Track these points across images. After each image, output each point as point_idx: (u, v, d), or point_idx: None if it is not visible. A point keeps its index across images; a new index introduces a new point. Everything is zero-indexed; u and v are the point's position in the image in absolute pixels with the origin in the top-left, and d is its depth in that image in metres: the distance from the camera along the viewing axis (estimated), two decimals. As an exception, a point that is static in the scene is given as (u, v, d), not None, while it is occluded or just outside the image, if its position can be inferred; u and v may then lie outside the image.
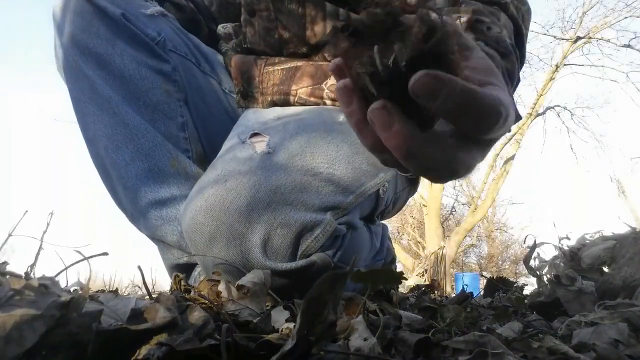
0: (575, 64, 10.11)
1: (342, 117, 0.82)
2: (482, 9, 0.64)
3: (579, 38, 9.58)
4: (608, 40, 9.53)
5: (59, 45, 0.82)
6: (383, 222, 1.11)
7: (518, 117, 0.60)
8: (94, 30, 0.80)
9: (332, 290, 0.30)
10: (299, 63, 0.88)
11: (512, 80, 0.58)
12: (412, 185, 1.02)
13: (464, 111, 0.31)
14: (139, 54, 0.82)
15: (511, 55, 0.57)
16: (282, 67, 0.89)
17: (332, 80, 0.86)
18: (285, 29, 0.88)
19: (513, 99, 0.55)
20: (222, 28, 1.03)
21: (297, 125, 0.78)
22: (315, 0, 0.85)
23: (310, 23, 0.87)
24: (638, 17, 9.19)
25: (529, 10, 0.72)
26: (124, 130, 0.81)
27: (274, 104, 0.90)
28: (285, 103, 0.89)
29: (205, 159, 0.87)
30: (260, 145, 0.73)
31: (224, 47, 1.02)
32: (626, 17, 9.32)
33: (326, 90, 0.86)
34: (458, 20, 0.60)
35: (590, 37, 9.59)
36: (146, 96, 0.82)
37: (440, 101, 0.29)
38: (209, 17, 1.10)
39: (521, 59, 0.69)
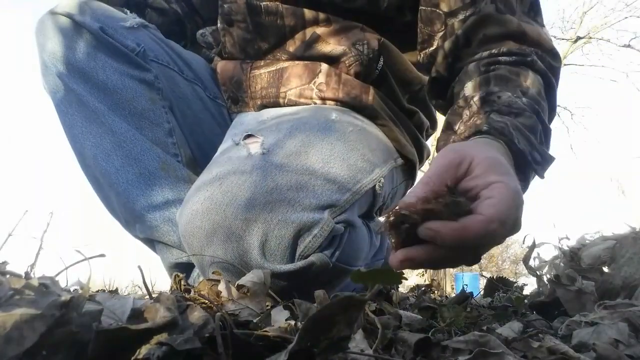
0: (575, 64, 10.12)
1: (335, 115, 0.82)
2: (506, 74, 0.67)
3: (579, 38, 9.57)
4: (608, 40, 9.53)
5: (43, 62, 0.84)
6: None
7: (550, 159, 0.63)
8: (75, 46, 0.81)
9: (345, 313, 0.30)
10: (285, 64, 0.89)
11: (533, 132, 0.61)
12: (410, 179, 1.02)
13: (460, 245, 0.41)
14: (121, 66, 0.83)
15: (526, 112, 0.62)
16: (268, 70, 0.90)
17: (320, 79, 0.86)
18: (264, 41, 0.89)
19: (528, 173, 0.61)
20: (201, 37, 1.03)
21: (291, 125, 0.78)
22: (293, 10, 0.86)
23: (290, 33, 0.87)
24: (638, 17, 9.20)
25: (555, 57, 0.73)
26: (112, 138, 0.82)
27: (264, 107, 0.91)
28: (275, 106, 0.90)
29: (195, 164, 0.88)
30: (254, 146, 0.73)
31: (209, 53, 1.03)
32: (626, 17, 9.32)
33: (315, 90, 0.87)
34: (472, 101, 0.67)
35: (590, 37, 9.59)
36: (131, 105, 0.83)
37: (440, 241, 0.41)
38: (194, 13, 1.11)
39: (551, 107, 0.71)
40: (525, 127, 0.60)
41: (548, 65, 0.71)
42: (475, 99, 0.67)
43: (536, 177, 0.65)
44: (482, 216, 0.42)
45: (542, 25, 0.76)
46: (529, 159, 0.59)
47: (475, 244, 0.43)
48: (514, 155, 0.58)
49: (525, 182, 0.60)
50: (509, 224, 0.43)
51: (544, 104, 0.66)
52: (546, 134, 0.65)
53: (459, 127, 0.66)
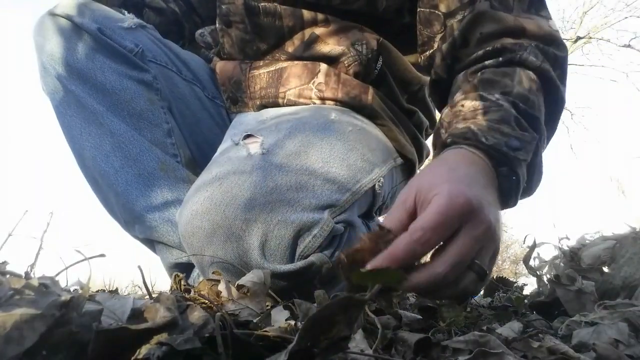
0: (575, 64, 10.10)
1: (334, 115, 0.82)
2: (491, 77, 0.67)
3: (579, 38, 9.57)
4: (608, 40, 9.53)
5: (41, 64, 0.84)
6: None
7: (532, 139, 0.62)
8: (73, 47, 0.81)
9: (346, 313, 0.30)
10: (284, 64, 0.89)
11: (505, 122, 0.61)
12: (409, 178, 1.02)
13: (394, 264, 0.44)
14: (119, 66, 0.83)
15: (492, 108, 0.62)
16: (267, 70, 0.89)
17: (319, 79, 0.86)
18: (262, 41, 0.89)
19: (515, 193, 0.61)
20: (200, 36, 1.03)
21: (291, 125, 0.78)
22: (291, 11, 0.86)
23: (288, 34, 0.87)
24: (638, 17, 9.20)
25: (559, 47, 0.71)
26: (111, 139, 0.82)
27: (263, 107, 0.91)
28: (275, 106, 0.90)
29: (194, 164, 0.88)
30: (254, 146, 0.73)
31: (207, 53, 1.03)
32: (626, 17, 9.31)
33: (314, 90, 0.86)
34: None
35: (590, 37, 9.58)
36: (130, 106, 0.83)
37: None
38: (192, 12, 1.11)
39: (553, 98, 0.69)
40: (494, 121, 0.60)
41: (552, 56, 0.69)
42: (444, 114, 0.68)
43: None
44: (406, 233, 0.45)
45: (547, 18, 0.74)
46: (504, 150, 0.58)
47: (410, 259, 0.45)
48: (486, 153, 0.57)
49: (513, 173, 0.59)
50: (445, 225, 0.45)
51: (534, 98, 0.65)
52: (531, 121, 0.63)
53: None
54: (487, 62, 0.69)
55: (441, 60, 0.77)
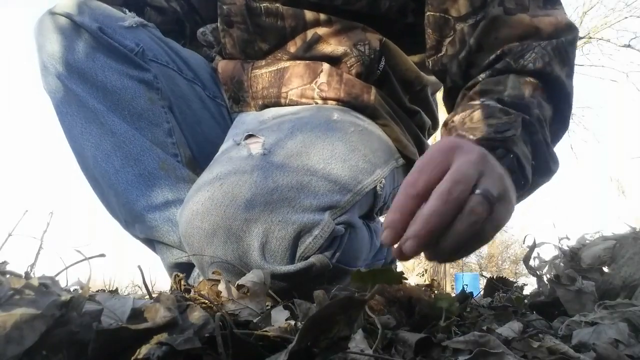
0: (576, 64, 10.07)
1: (336, 115, 0.82)
2: (484, 87, 0.67)
3: (579, 38, 9.55)
4: (608, 40, 9.52)
5: (42, 63, 0.84)
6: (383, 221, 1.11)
7: (516, 120, 0.61)
8: (74, 46, 0.81)
9: (346, 313, 0.30)
10: (286, 64, 0.88)
11: (490, 116, 0.61)
12: None
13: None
14: (120, 66, 0.83)
15: (475, 111, 0.63)
16: (269, 70, 0.89)
17: (321, 79, 0.86)
18: (264, 42, 0.89)
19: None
20: (202, 35, 1.03)
21: (292, 125, 0.78)
22: (293, 12, 0.85)
23: (290, 34, 0.87)
24: (638, 17, 9.19)
25: (570, 32, 0.70)
26: (112, 139, 0.82)
27: (265, 107, 0.91)
28: (277, 106, 0.90)
29: (195, 163, 0.87)
30: (255, 146, 0.73)
31: (209, 52, 1.03)
32: (626, 17, 9.31)
33: (317, 90, 0.86)
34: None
35: (590, 37, 9.58)
36: (130, 105, 0.83)
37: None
38: (193, 11, 1.11)
39: (560, 96, 0.69)
40: (480, 120, 0.61)
41: (564, 48, 0.69)
42: (442, 132, 0.69)
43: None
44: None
45: (562, 10, 0.73)
46: (493, 135, 0.58)
47: (407, 202, 0.45)
48: (478, 143, 0.57)
49: (509, 152, 0.58)
50: (431, 162, 0.46)
51: (529, 99, 0.64)
52: (518, 106, 0.63)
53: None
54: (480, 77, 0.70)
55: (458, 67, 0.76)
